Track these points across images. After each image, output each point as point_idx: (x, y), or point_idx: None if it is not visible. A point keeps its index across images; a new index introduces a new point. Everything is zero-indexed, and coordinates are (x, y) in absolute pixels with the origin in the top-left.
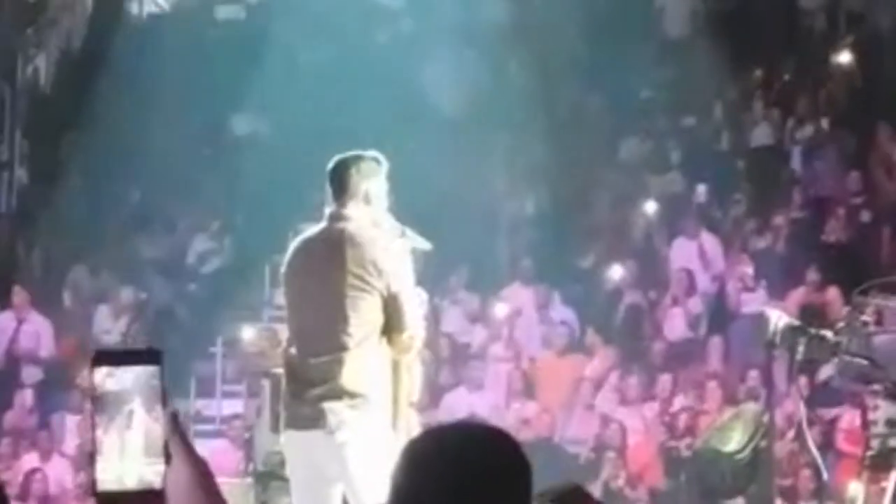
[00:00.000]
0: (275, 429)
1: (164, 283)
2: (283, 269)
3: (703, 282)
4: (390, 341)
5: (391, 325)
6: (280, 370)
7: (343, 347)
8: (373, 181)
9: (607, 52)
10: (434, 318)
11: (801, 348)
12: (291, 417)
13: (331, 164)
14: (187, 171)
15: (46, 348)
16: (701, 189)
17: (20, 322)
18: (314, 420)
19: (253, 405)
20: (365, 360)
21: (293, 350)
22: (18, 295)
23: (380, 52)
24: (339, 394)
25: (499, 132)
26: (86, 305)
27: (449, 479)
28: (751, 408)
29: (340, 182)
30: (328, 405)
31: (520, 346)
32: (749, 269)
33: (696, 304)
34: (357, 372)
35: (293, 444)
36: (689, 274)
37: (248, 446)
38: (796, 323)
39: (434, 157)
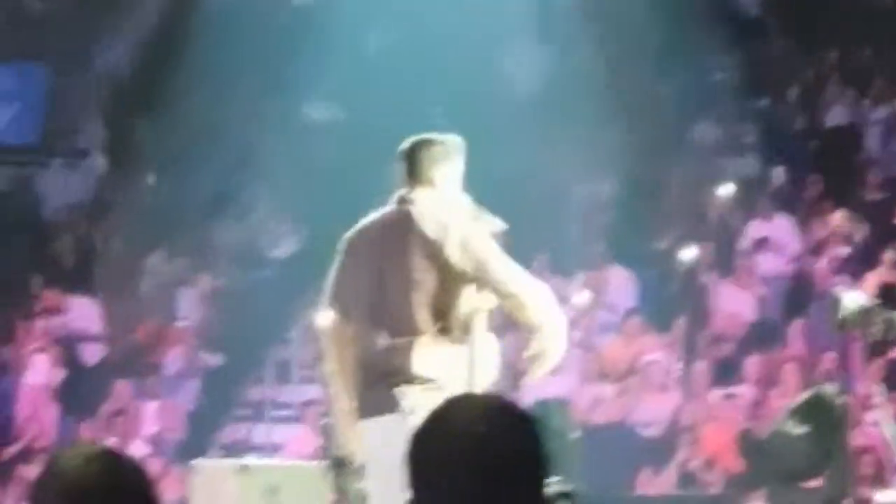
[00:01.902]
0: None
1: (241, 268)
2: (343, 252)
3: (779, 264)
4: (515, 309)
5: (496, 296)
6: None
7: (415, 331)
8: (443, 165)
9: (680, 34)
10: None
11: (876, 329)
12: (366, 403)
13: (401, 147)
14: (263, 157)
15: (97, 327)
16: (776, 171)
17: (68, 309)
18: (388, 404)
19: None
20: (438, 344)
21: (363, 334)
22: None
23: (453, 37)
24: (412, 378)
25: (572, 116)
26: (163, 291)
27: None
28: (827, 389)
29: (409, 166)
30: (402, 389)
31: (594, 329)
32: (826, 251)
33: (772, 287)
34: (430, 356)
35: (368, 430)
36: (765, 256)
37: (324, 431)
38: (872, 303)
39: (507, 141)
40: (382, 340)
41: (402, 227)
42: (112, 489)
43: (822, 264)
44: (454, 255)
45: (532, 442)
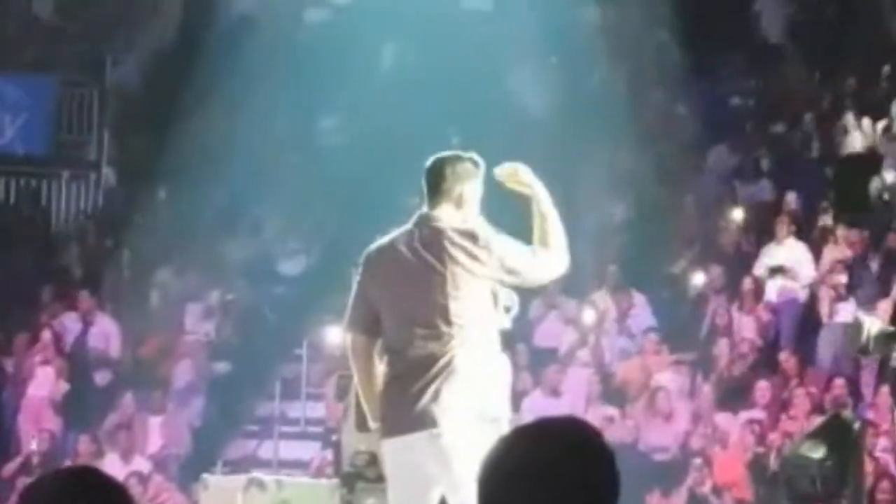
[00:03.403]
0: (361, 429)
1: (251, 284)
2: (366, 271)
3: (792, 290)
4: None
5: (530, 280)
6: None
7: (451, 347)
8: (468, 184)
9: (697, 58)
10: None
11: (895, 354)
12: (393, 420)
13: (427, 164)
14: (275, 173)
15: (115, 350)
16: (790, 197)
17: (87, 325)
18: (418, 422)
19: (339, 407)
20: (471, 358)
21: (395, 350)
22: (85, 300)
23: (468, 55)
24: (447, 394)
25: (587, 137)
26: (172, 306)
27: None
28: (845, 414)
29: (435, 183)
30: (432, 407)
31: (604, 351)
32: (841, 278)
33: (786, 312)
34: (464, 372)
35: (394, 448)
36: (777, 282)
37: (335, 447)
38: (890, 329)
39: (522, 161)
40: (418, 350)
41: (436, 244)
42: None
43: (833, 290)
44: (492, 265)
45: (598, 475)
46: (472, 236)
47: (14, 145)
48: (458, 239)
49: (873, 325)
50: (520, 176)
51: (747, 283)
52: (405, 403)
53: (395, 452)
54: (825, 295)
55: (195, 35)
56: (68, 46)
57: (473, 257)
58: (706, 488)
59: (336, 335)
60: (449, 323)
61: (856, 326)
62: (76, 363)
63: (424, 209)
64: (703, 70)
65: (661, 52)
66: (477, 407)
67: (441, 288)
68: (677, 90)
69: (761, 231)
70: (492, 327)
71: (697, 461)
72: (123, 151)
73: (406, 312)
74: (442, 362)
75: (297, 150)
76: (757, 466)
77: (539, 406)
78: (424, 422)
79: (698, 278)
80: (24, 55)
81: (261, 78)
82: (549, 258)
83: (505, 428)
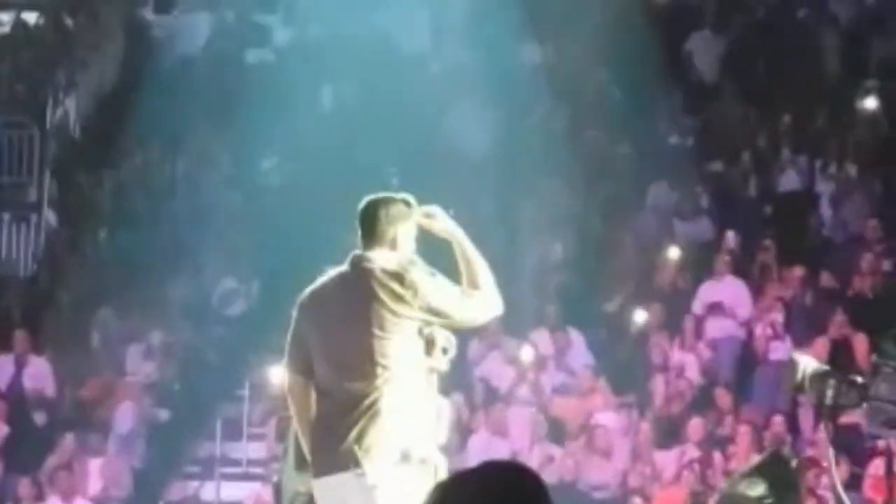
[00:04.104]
0: (301, 468)
1: (192, 325)
2: (299, 313)
3: (730, 327)
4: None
5: (459, 321)
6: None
7: (376, 387)
8: (401, 225)
9: (636, 97)
10: (467, 362)
11: (829, 392)
12: (322, 461)
13: (360, 206)
14: (216, 213)
15: (50, 390)
16: (729, 235)
17: (21, 366)
18: (342, 463)
19: (279, 447)
20: (397, 399)
21: (324, 390)
22: (19, 341)
23: (407, 96)
24: (371, 435)
25: (527, 176)
26: (114, 347)
27: None
28: (782, 452)
29: (369, 226)
30: (355, 448)
31: (543, 390)
32: (777, 316)
33: (721, 350)
34: (390, 412)
35: (324, 488)
36: (716, 319)
37: (275, 489)
38: (825, 368)
39: (461, 199)
40: (345, 391)
41: (363, 285)
42: None
43: (772, 329)
44: (416, 306)
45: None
46: (398, 277)
47: None
48: (385, 280)
49: (808, 364)
50: (435, 219)
51: (688, 321)
52: (331, 444)
53: (324, 492)
54: (762, 333)
55: (136, 75)
56: (7, 88)
57: (398, 298)
58: None
59: (278, 375)
60: (374, 363)
61: (791, 365)
62: (13, 405)
63: (358, 251)
64: (642, 109)
65: (599, 91)
66: (402, 448)
67: (367, 328)
68: (617, 129)
69: (700, 268)
70: (421, 368)
71: (637, 500)
72: (64, 192)
73: (334, 353)
74: (367, 402)
75: (239, 190)
76: None
77: (484, 445)
78: (348, 462)
79: (637, 315)
80: None
81: (202, 118)
82: (480, 299)
83: (433, 470)
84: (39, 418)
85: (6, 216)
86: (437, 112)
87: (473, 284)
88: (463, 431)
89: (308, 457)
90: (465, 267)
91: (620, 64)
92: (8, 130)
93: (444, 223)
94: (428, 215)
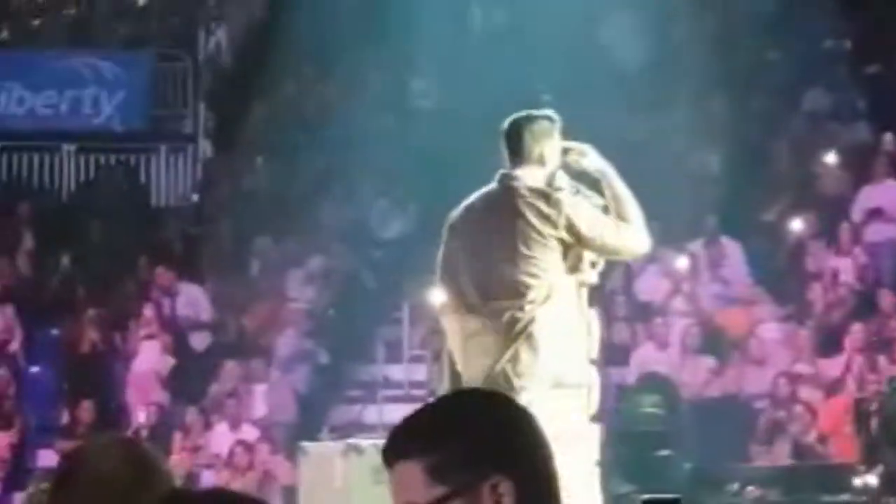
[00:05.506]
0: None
1: (350, 250)
2: (449, 231)
3: (890, 231)
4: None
5: (612, 251)
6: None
7: (525, 307)
8: (546, 142)
9: (788, 1)
10: (627, 276)
11: None
12: (471, 379)
13: (504, 126)
14: (368, 137)
15: (206, 314)
16: (888, 137)
17: (174, 295)
18: (493, 383)
19: (436, 369)
20: (550, 322)
21: (472, 309)
22: (162, 275)
23: (556, 10)
24: (525, 359)
25: (680, 87)
26: (273, 274)
27: None
28: None
29: (514, 145)
30: (508, 369)
31: (702, 302)
32: None
33: (882, 254)
34: (543, 337)
35: None
36: (875, 224)
37: None
38: None
39: (614, 112)
40: (494, 309)
41: (509, 203)
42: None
43: None
44: (561, 227)
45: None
46: (545, 196)
47: (112, 122)
48: (530, 198)
49: None
50: (586, 157)
51: (844, 227)
52: (484, 363)
53: None
54: None
55: (284, 3)
56: (159, 22)
57: (544, 217)
58: (811, 437)
59: (435, 296)
60: (520, 282)
61: None
62: (175, 335)
63: (505, 169)
64: (795, 13)
65: None
66: (556, 373)
67: (513, 246)
68: (769, 35)
69: (859, 173)
70: (571, 284)
71: (799, 409)
72: (219, 122)
73: (480, 271)
74: (520, 325)
75: (390, 113)
76: (859, 412)
77: (647, 357)
78: (501, 384)
79: (795, 224)
80: (118, 32)
81: (351, 42)
82: (627, 230)
83: (587, 392)
84: (199, 341)
85: (163, 148)
86: (586, 27)
87: (623, 219)
88: (622, 345)
89: (461, 375)
90: (615, 204)
91: None
92: (162, 63)
93: (595, 161)
94: (580, 153)
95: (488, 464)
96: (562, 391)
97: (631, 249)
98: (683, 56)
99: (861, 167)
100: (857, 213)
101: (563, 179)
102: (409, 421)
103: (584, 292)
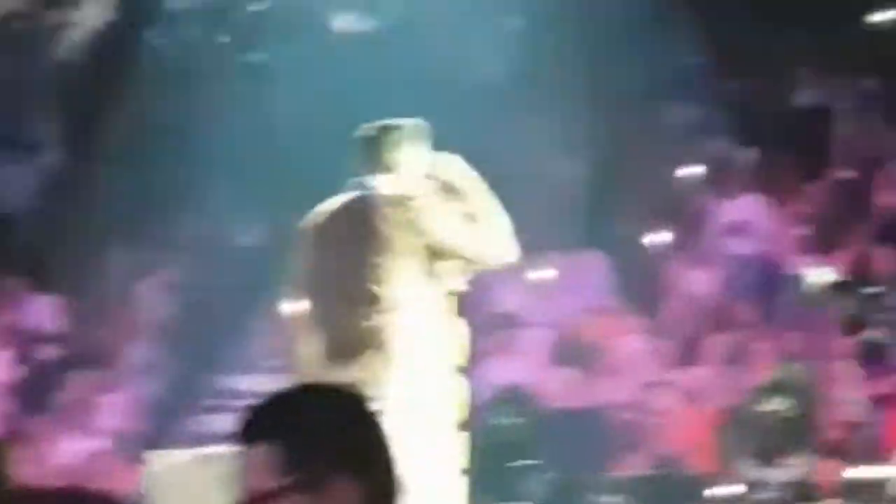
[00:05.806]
0: None
1: (203, 260)
2: (301, 240)
3: (750, 244)
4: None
5: (463, 263)
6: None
7: (381, 317)
8: (405, 149)
9: (654, 11)
10: (482, 285)
11: (847, 305)
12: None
13: (360, 133)
14: (224, 147)
15: (53, 326)
16: (748, 152)
17: (24, 305)
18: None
19: (291, 378)
20: (406, 331)
21: (327, 316)
22: (15, 282)
23: (418, 19)
24: (378, 367)
25: (544, 98)
26: (125, 283)
27: None
28: (795, 367)
29: (370, 152)
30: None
31: (562, 313)
32: (796, 231)
33: (742, 267)
34: (395, 336)
35: None
36: (735, 236)
37: None
38: (843, 280)
39: (478, 122)
40: (346, 320)
41: (361, 211)
42: None
43: (791, 244)
44: (419, 234)
45: None
46: (400, 203)
47: None
48: (384, 206)
49: (826, 276)
50: (451, 166)
51: (704, 242)
52: (336, 373)
53: None
54: (784, 249)
55: (143, 4)
56: (6, 27)
57: (398, 225)
58: (668, 448)
59: (287, 308)
60: (374, 292)
61: (809, 278)
62: (23, 346)
63: (359, 177)
64: (657, 27)
65: (613, 8)
66: (411, 383)
67: (364, 254)
68: (632, 48)
69: (719, 188)
70: (433, 292)
71: (656, 420)
72: (71, 128)
73: (334, 279)
74: (373, 334)
75: (246, 122)
76: (716, 423)
77: (499, 369)
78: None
79: (655, 237)
80: None
81: (208, 49)
82: (491, 240)
83: (450, 403)
84: (45, 354)
85: (9, 154)
86: (447, 35)
87: (488, 228)
88: (481, 356)
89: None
90: (480, 213)
91: None
92: (9, 66)
93: (459, 170)
94: (445, 162)
95: (338, 463)
96: (421, 399)
97: (495, 258)
98: (548, 67)
99: (722, 181)
100: (717, 227)
101: (423, 187)
102: (272, 405)
103: (453, 300)
